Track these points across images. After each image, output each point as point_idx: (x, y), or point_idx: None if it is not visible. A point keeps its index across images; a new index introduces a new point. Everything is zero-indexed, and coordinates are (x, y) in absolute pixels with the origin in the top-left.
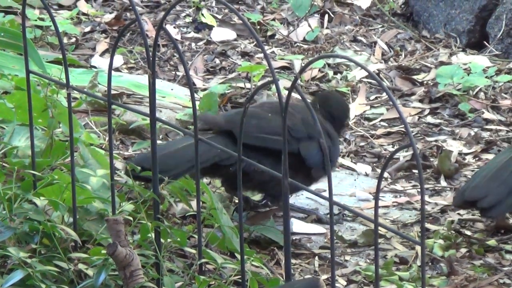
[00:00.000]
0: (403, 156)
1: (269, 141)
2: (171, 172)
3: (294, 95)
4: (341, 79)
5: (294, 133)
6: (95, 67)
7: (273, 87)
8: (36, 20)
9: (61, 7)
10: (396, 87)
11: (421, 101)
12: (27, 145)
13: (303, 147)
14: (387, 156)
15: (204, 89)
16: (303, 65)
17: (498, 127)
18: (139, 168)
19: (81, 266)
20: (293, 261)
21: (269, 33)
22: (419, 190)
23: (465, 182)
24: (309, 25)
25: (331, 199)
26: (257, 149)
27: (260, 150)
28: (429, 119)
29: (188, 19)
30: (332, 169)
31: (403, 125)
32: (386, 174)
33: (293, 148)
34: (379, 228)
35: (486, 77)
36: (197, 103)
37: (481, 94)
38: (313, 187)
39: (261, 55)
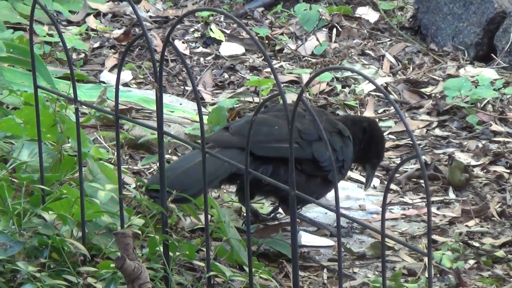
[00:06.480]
0: (413, 168)
1: (282, 150)
2: (190, 191)
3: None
4: (349, 93)
5: (305, 136)
6: (104, 82)
7: (281, 100)
8: (45, 36)
9: (70, 23)
10: (404, 100)
11: (429, 113)
12: (36, 160)
13: (316, 150)
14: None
15: (213, 104)
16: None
17: (506, 139)
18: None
19: (90, 280)
20: (301, 273)
21: (277, 47)
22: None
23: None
24: (317, 39)
25: (338, 211)
26: (272, 157)
27: (275, 158)
28: (437, 131)
29: (197, 34)
30: (346, 171)
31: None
32: (394, 186)
33: (306, 153)
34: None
35: (493, 89)
36: (206, 117)
37: (489, 107)
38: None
39: (270, 69)
